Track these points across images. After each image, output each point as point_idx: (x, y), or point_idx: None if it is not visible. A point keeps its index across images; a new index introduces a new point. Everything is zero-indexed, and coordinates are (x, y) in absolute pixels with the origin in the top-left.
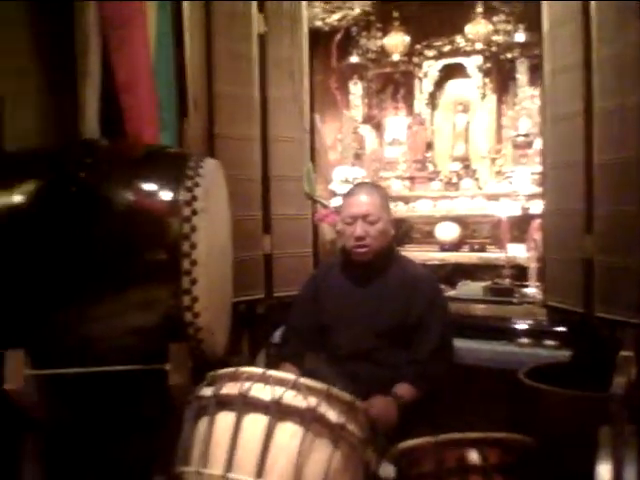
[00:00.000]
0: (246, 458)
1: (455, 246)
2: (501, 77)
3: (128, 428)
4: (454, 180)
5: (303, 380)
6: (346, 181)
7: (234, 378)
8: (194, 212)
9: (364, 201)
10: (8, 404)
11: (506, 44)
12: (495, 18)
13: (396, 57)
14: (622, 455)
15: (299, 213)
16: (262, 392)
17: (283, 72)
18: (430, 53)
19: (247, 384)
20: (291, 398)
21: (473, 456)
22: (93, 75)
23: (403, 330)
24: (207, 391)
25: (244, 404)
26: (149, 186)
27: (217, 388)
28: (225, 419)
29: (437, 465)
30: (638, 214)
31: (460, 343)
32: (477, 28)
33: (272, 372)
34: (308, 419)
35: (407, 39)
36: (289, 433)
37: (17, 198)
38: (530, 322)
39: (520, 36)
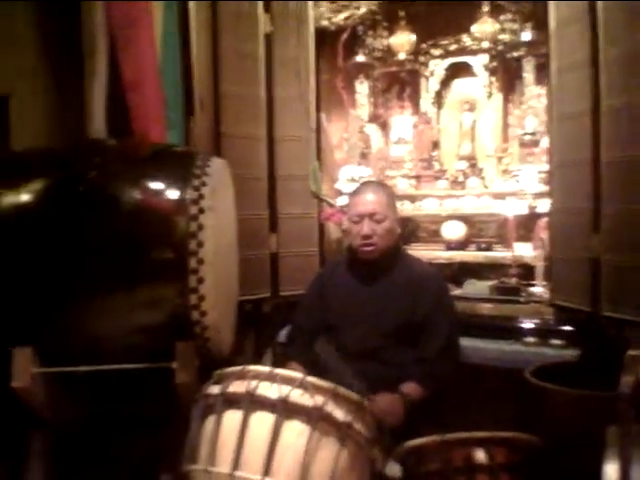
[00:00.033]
0: (253, 456)
1: (461, 245)
2: (507, 76)
3: (134, 426)
4: (460, 179)
5: (310, 379)
6: (352, 180)
7: (241, 376)
8: (201, 210)
9: (370, 200)
10: (15, 402)
11: (512, 43)
12: (502, 17)
13: (402, 56)
14: (630, 455)
15: (305, 212)
16: (269, 390)
17: (289, 71)
18: (436, 52)
19: (254, 382)
20: (298, 397)
21: (480, 455)
22: (100, 75)
23: (409, 329)
24: (214, 389)
25: (251, 402)
26: (156, 185)
27: (224, 386)
28: (232, 417)
29: (444, 464)
30: None
31: (466, 342)
32: (484, 27)
33: (279, 370)
34: (315, 418)
35: (413, 38)
36: (296, 432)
37: (26, 197)
38: (537, 321)
39: (527, 35)
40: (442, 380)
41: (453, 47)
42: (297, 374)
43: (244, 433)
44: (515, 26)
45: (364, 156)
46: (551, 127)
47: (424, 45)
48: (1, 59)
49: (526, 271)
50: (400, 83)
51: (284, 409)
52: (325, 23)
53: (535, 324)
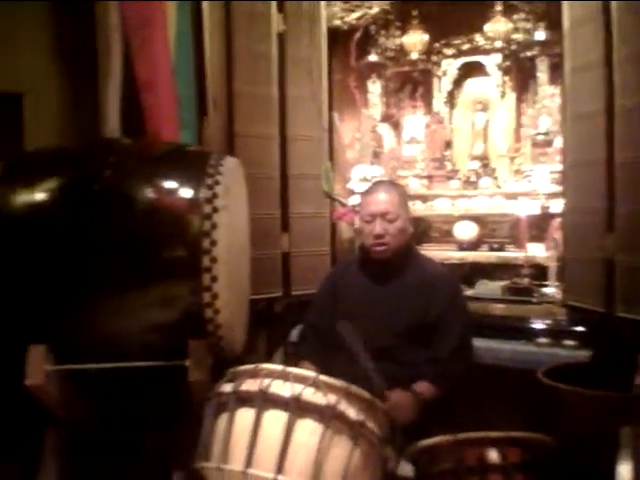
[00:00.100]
0: (266, 454)
1: (474, 245)
2: (521, 75)
3: (147, 424)
4: (473, 179)
5: (322, 377)
6: (364, 180)
7: (254, 375)
8: (215, 209)
9: (383, 199)
10: (30, 400)
11: (526, 42)
12: (515, 16)
13: (415, 56)
14: None
15: (317, 211)
16: (282, 389)
17: (302, 71)
18: (449, 51)
19: (267, 381)
20: (311, 395)
21: (493, 455)
22: (114, 75)
23: (422, 329)
24: (227, 387)
25: (264, 401)
26: (170, 184)
27: (237, 384)
28: (245, 415)
29: (457, 463)
30: None
31: (479, 342)
32: (497, 26)
33: (292, 369)
34: (328, 416)
35: (426, 38)
36: (309, 430)
37: (40, 196)
38: (549, 322)
39: (540, 34)
40: (454, 380)
41: (466, 47)
42: (310, 372)
43: (257, 431)
44: (528, 25)
45: (376, 156)
46: (565, 127)
47: (437, 44)
48: (16, 59)
49: (539, 271)
50: (413, 83)
51: (297, 407)
52: (338, 23)
53: (548, 325)
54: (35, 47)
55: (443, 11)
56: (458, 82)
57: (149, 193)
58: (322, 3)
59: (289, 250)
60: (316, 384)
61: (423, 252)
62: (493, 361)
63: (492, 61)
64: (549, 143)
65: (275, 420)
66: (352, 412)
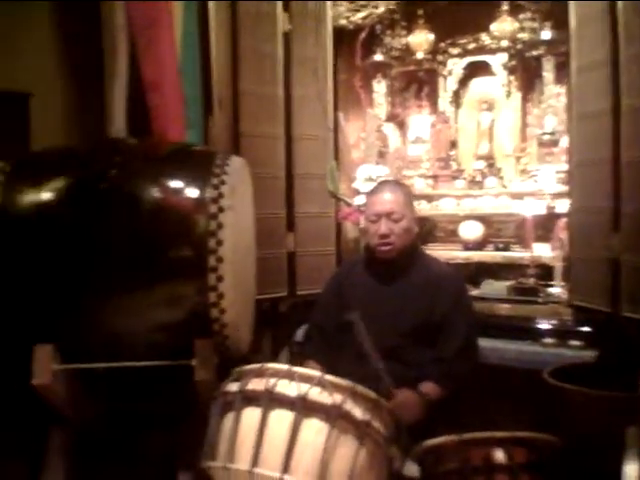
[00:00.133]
0: (272, 454)
1: (479, 245)
2: (526, 75)
3: (153, 423)
4: (478, 179)
5: (328, 377)
6: (369, 179)
7: (260, 374)
8: (220, 209)
9: (388, 199)
10: (36, 399)
11: (532, 42)
12: (521, 15)
13: (420, 55)
14: None
15: (322, 211)
16: (288, 388)
17: (307, 71)
18: (455, 51)
19: (273, 380)
20: (317, 395)
21: (499, 455)
22: (120, 75)
23: (427, 329)
24: (233, 387)
25: (270, 400)
26: (176, 183)
27: (243, 384)
28: (251, 415)
29: (462, 463)
30: None
31: (484, 342)
32: (503, 26)
33: (297, 368)
34: (334, 416)
35: (431, 37)
36: (315, 429)
37: (47, 196)
38: (555, 322)
39: (546, 34)
40: (460, 380)
41: (471, 46)
42: (316, 372)
43: (263, 430)
44: (534, 25)
45: (381, 155)
46: (571, 126)
47: (442, 44)
48: (22, 59)
49: (544, 271)
50: (418, 82)
51: (303, 407)
52: (343, 22)
53: (553, 325)
54: (41, 47)
55: (449, 10)
56: (464, 81)
57: (155, 193)
58: (328, 3)
59: (294, 250)
60: (322, 384)
61: (428, 252)
62: (499, 361)
63: (498, 60)
64: (555, 143)
65: (281, 419)
66: (358, 412)
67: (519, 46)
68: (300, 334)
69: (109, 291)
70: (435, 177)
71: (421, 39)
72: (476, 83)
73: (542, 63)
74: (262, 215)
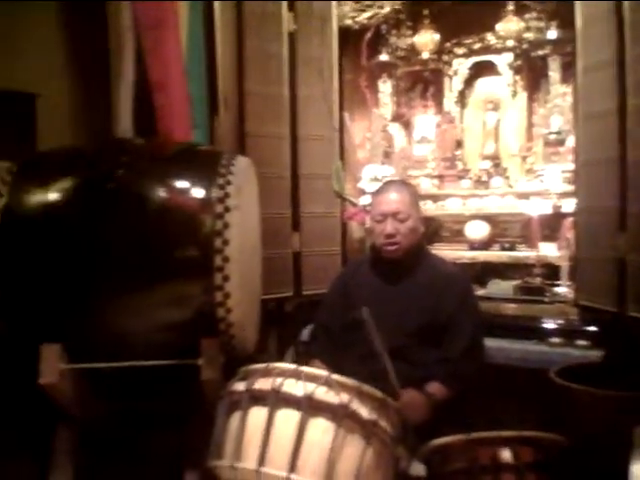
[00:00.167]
0: (279, 453)
1: (485, 245)
2: (532, 75)
3: (160, 423)
4: (484, 178)
5: (335, 376)
6: (375, 179)
7: (266, 373)
8: (226, 209)
9: (394, 199)
10: (43, 399)
11: (537, 41)
12: (527, 15)
13: (426, 55)
14: None
15: (328, 211)
16: (294, 388)
17: (313, 71)
18: (460, 51)
19: (279, 380)
20: (323, 394)
21: (506, 454)
22: (127, 75)
23: (433, 328)
24: (240, 386)
25: (277, 399)
26: (182, 183)
27: (250, 383)
28: (258, 414)
29: (469, 463)
30: None
31: (491, 342)
32: (508, 25)
33: (304, 368)
34: (340, 415)
35: (437, 37)
36: (321, 429)
37: (54, 196)
38: (561, 321)
39: (552, 33)
40: (466, 380)
41: (477, 46)
42: (322, 371)
43: (270, 430)
44: (540, 24)
45: (387, 155)
46: (577, 126)
47: (448, 44)
48: (28, 60)
49: (550, 271)
50: (423, 82)
51: (309, 406)
52: (349, 22)
53: (560, 324)
54: (47, 48)
55: (454, 10)
56: (469, 81)
57: (161, 193)
58: (333, 3)
59: (300, 250)
60: (328, 383)
61: (434, 252)
62: (505, 361)
63: (503, 60)
64: (561, 142)
65: (288, 419)
66: (364, 411)
67: (525, 46)
68: (306, 334)
69: (115, 290)
70: (441, 177)
71: (427, 39)
72: (482, 83)
73: (548, 63)
74: (267, 215)
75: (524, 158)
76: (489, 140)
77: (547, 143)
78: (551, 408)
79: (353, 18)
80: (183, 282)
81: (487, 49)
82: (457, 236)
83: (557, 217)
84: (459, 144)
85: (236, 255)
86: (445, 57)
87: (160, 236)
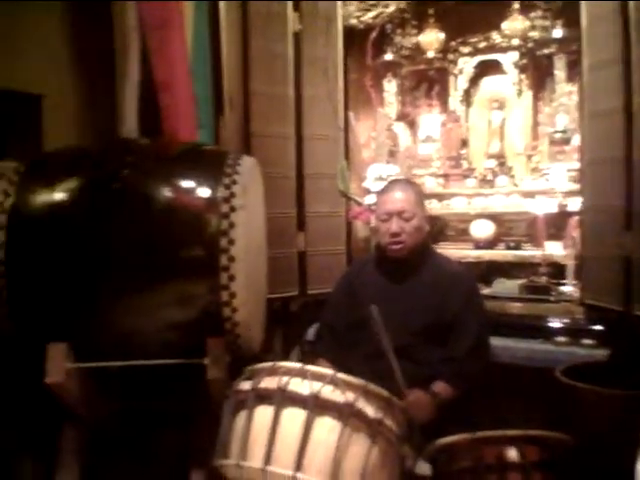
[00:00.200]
0: (285, 452)
1: (490, 244)
2: (537, 73)
3: (166, 422)
4: (489, 177)
5: (341, 375)
6: (380, 178)
7: (272, 372)
8: (232, 209)
9: (399, 198)
10: (50, 398)
11: (543, 40)
12: (532, 14)
13: (431, 54)
14: None
15: (333, 211)
16: (300, 386)
17: (318, 70)
18: (465, 50)
19: (285, 378)
20: (329, 393)
21: (512, 453)
22: (132, 75)
23: (438, 328)
24: (245, 385)
25: (283, 398)
26: (188, 183)
27: (256, 382)
28: (264, 413)
29: (475, 462)
30: None
31: (496, 341)
32: (514, 24)
33: (310, 367)
34: (346, 414)
35: (442, 36)
36: (327, 428)
37: (60, 196)
38: (567, 320)
39: (557, 32)
40: (471, 379)
41: (482, 45)
42: (328, 370)
43: (276, 429)
44: (546, 23)
45: (392, 154)
46: (582, 125)
47: (453, 43)
48: (34, 60)
49: (556, 270)
50: (428, 81)
51: (315, 405)
52: (354, 22)
53: (565, 323)
54: (53, 48)
55: (459, 9)
56: (474, 80)
57: (167, 192)
58: (338, 2)
59: (305, 249)
60: (334, 382)
61: (439, 251)
62: (510, 360)
63: (509, 59)
64: (566, 141)
65: (294, 418)
66: (370, 410)
67: (530, 44)
68: (311, 333)
69: (121, 290)
70: (446, 176)
71: (432, 38)
72: (487, 82)
73: (553, 61)
74: (273, 215)
75: (529, 157)
76: (494, 139)
77: (553, 142)
78: (557, 407)
79: (358, 18)
80: (189, 281)
81: (492, 48)
82: (462, 235)
83: (563, 216)
84: (464, 143)
85: (242, 255)
86: (450, 56)
87: (166, 236)
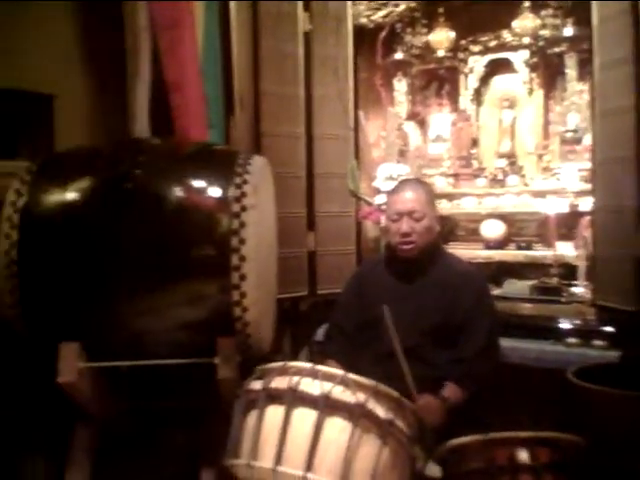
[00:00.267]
0: (295, 452)
1: (500, 244)
2: (548, 72)
3: (177, 421)
4: (500, 177)
5: (351, 375)
6: (390, 178)
7: (283, 372)
8: (243, 208)
9: (409, 197)
10: (62, 397)
11: (554, 38)
12: (543, 12)
13: (441, 53)
14: None
15: (343, 210)
16: (311, 387)
17: (328, 70)
18: (476, 48)
19: (296, 378)
20: (340, 393)
21: (523, 455)
22: (143, 75)
23: (448, 328)
24: (256, 385)
25: (293, 398)
26: (199, 183)
27: (266, 382)
28: (275, 413)
29: (486, 463)
30: None
31: (507, 342)
32: (524, 22)
33: (321, 367)
34: (357, 414)
35: (452, 35)
36: (338, 428)
37: (73, 195)
38: (578, 322)
39: (568, 30)
40: (481, 380)
41: (493, 43)
42: (339, 371)
43: (286, 428)
44: (556, 21)
45: (402, 154)
46: (594, 124)
47: (463, 42)
48: (45, 60)
49: (567, 271)
50: (439, 80)
51: (326, 405)
52: (364, 21)
53: (577, 325)
54: (64, 48)
55: (469, 8)
56: (485, 79)
57: (178, 192)
58: (348, 2)
59: (315, 249)
60: (345, 382)
61: (450, 251)
62: (521, 361)
63: (519, 58)
64: (578, 140)
65: (304, 418)
66: (381, 411)
67: (541, 43)
68: (320, 333)
69: (133, 290)
70: (456, 175)
71: (442, 37)
72: (497, 80)
73: (564, 60)
74: (283, 214)
75: (540, 156)
76: (505, 138)
77: (564, 141)
78: (568, 409)
79: (368, 17)
80: (200, 281)
81: (503, 46)
82: (472, 235)
83: (574, 216)
84: (475, 142)
85: (253, 254)
86: (461, 55)
87: (177, 235)
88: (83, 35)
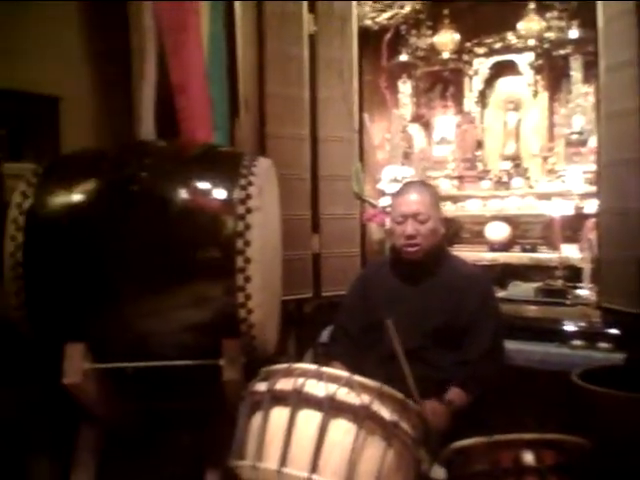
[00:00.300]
0: (300, 453)
1: (505, 246)
2: (553, 74)
3: (182, 423)
4: (504, 179)
5: (356, 377)
6: (395, 180)
7: (288, 374)
8: (248, 210)
9: (414, 200)
10: (67, 398)
11: (559, 41)
12: (548, 14)
13: (446, 55)
14: None
15: (347, 213)
16: (316, 388)
17: (333, 72)
18: (481, 50)
19: (301, 380)
20: (344, 395)
21: (528, 457)
22: (149, 76)
23: (452, 330)
24: (261, 386)
25: (298, 400)
26: (204, 185)
27: (271, 383)
28: (279, 414)
29: (491, 465)
30: None
31: (511, 344)
32: (529, 25)
33: (326, 369)
34: (361, 416)
35: (457, 37)
36: (343, 430)
37: (78, 198)
38: (583, 324)
39: (574, 32)
40: (485, 382)
41: (498, 45)
42: (344, 372)
43: (291, 430)
44: (562, 24)
45: (407, 156)
46: (599, 126)
47: (468, 44)
48: (51, 62)
49: (572, 273)
50: (443, 82)
51: (331, 407)
52: (369, 23)
53: (582, 327)
54: (69, 50)
55: (474, 10)
56: (490, 81)
57: (184, 194)
58: (353, 3)
59: (319, 251)
60: (350, 384)
61: (455, 253)
62: (526, 363)
63: (524, 60)
64: (583, 142)
65: (309, 419)
66: (385, 412)
67: (546, 45)
68: (325, 335)
69: (138, 292)
70: (461, 178)
71: (447, 39)
72: (502, 83)
73: (569, 62)
74: (287, 216)
75: (545, 158)
76: (510, 140)
77: (569, 143)
78: (573, 411)
79: (373, 19)
80: (205, 283)
81: (508, 48)
82: (477, 237)
83: (579, 218)
84: (479, 144)
85: (257, 256)
86: (465, 57)
87: (182, 237)
88: (88, 36)
